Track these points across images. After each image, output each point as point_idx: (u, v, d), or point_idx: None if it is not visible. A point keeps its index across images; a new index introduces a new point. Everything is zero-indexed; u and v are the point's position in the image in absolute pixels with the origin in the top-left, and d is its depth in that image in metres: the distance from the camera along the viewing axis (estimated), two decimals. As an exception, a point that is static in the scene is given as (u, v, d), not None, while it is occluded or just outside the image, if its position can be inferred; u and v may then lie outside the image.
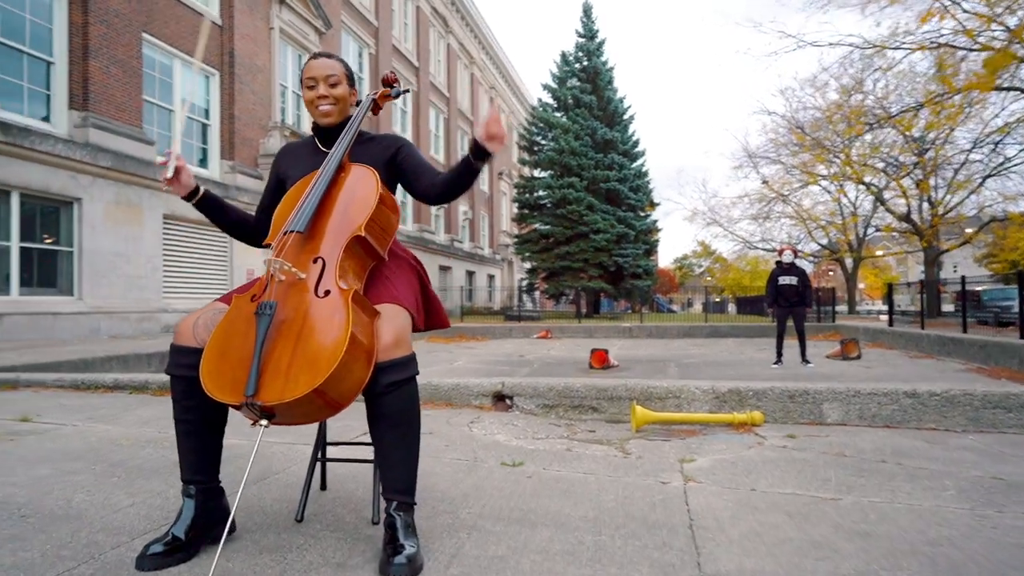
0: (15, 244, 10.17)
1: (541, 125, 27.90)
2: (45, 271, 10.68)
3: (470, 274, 33.59)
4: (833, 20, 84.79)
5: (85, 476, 2.48)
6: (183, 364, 1.76)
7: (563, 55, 28.54)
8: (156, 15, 13.17)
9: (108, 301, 11.46)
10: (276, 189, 2.14)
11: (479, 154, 1.81)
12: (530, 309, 37.05)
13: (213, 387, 1.55)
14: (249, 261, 15.57)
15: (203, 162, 14.92)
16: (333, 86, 2.04)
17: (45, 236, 10.76)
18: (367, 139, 2.11)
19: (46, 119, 11.00)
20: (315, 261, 1.75)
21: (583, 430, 3.51)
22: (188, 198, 1.95)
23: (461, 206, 32.88)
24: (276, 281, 1.70)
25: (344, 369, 1.54)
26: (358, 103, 2.19)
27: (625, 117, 28.53)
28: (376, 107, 2.23)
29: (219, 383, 1.55)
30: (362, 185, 1.92)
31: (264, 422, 1.53)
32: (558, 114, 28.26)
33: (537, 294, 34.23)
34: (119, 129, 11.85)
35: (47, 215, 10.82)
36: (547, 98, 28.77)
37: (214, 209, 2.04)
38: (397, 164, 2.05)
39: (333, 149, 2.00)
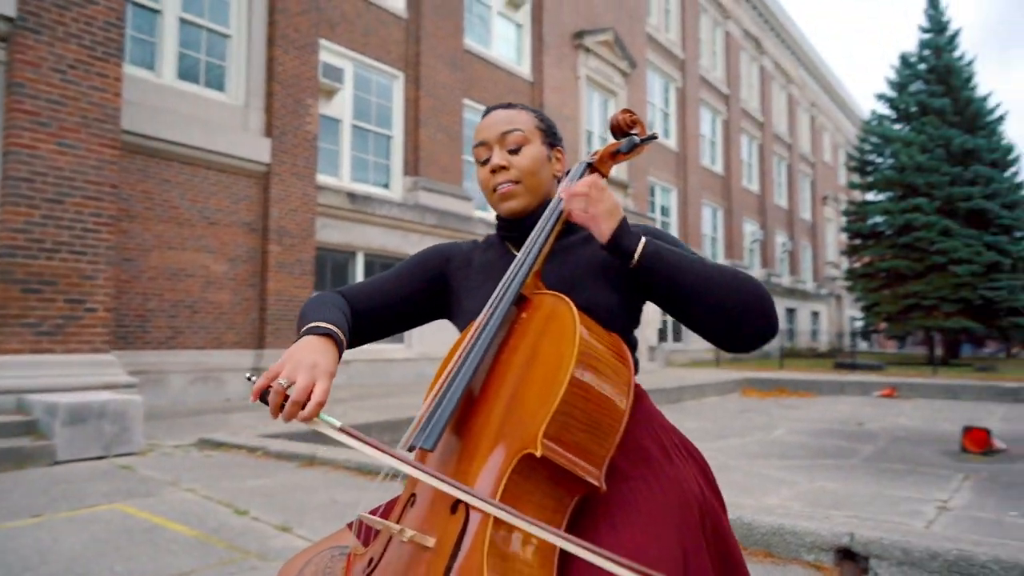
0: (360, 298, 11.58)
1: (876, 141, 24.09)
2: (383, 321, 11.97)
3: (790, 312, 30.37)
4: None
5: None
6: None
7: (902, 58, 24.38)
8: (475, 83, 14.26)
9: (432, 348, 12.41)
10: (416, 293, 1.42)
11: (612, 247, 1.14)
12: (865, 352, 32.15)
13: None
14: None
15: (515, 212, 15.64)
16: (515, 151, 1.26)
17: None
18: (579, 237, 1.29)
19: (386, 186, 12.46)
20: (453, 509, 0.91)
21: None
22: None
23: (779, 237, 30.05)
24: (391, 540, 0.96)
25: None
26: (567, 173, 1.32)
27: (991, 119, 23.19)
28: (596, 173, 1.28)
29: None
30: (548, 339, 1.00)
31: None
32: (897, 126, 24.14)
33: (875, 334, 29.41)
34: (443, 189, 12.94)
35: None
36: (882, 109, 24.83)
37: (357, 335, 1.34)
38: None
39: (512, 266, 1.16)
